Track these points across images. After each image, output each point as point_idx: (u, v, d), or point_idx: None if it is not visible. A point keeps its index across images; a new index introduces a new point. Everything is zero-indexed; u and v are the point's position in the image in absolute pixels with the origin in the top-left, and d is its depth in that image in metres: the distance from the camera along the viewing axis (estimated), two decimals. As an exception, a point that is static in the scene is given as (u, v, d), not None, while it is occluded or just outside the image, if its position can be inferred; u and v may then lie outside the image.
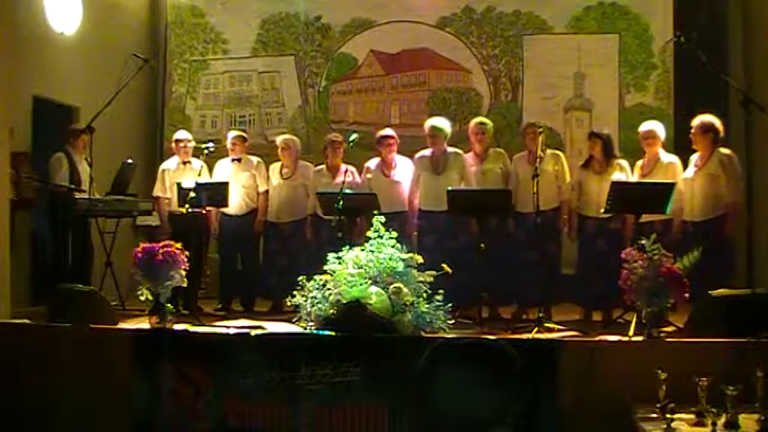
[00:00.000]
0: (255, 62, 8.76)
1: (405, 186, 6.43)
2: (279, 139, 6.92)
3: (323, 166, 6.72)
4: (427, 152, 6.42)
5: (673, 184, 5.65)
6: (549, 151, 6.25)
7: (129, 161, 7.31)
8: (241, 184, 6.72)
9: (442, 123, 6.41)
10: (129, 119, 8.20)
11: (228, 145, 6.84)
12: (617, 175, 6.00)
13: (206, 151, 6.34)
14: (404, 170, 6.48)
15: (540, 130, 6.04)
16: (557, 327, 5.36)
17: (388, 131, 6.61)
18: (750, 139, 5.71)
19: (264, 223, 6.84)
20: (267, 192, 6.82)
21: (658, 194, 5.57)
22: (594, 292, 6.02)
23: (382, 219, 5.03)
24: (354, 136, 6.18)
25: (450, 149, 6.39)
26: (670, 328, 4.94)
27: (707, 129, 5.79)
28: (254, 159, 6.94)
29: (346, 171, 6.24)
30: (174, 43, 8.88)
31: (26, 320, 5.49)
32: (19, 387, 5.04)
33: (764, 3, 7.28)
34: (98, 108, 6.26)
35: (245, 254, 6.92)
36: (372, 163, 6.58)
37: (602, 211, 5.75)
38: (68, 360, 5.00)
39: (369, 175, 6.53)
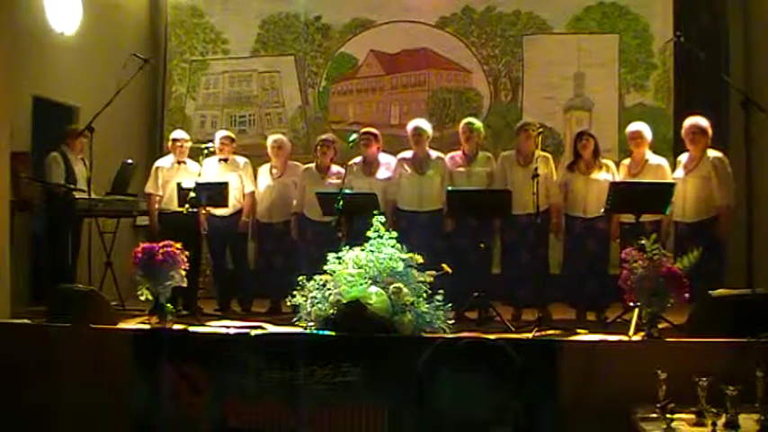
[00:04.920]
0: (255, 62, 8.75)
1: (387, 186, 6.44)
2: (270, 140, 6.90)
3: (312, 165, 6.72)
4: (408, 153, 6.45)
5: (673, 185, 5.68)
6: (538, 153, 6.24)
7: (129, 161, 7.31)
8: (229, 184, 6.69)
9: (425, 125, 6.46)
10: (129, 119, 8.20)
11: (217, 145, 6.82)
12: (603, 175, 6.02)
13: (206, 151, 6.34)
14: (388, 170, 6.49)
15: (541, 130, 6.05)
16: (556, 327, 5.38)
17: (369, 129, 6.64)
18: (750, 139, 5.71)
19: (255, 223, 6.84)
20: (253, 193, 6.83)
21: (659, 195, 5.59)
22: (584, 291, 6.04)
23: (382, 219, 5.03)
24: (354, 136, 6.18)
25: (433, 152, 6.43)
26: (665, 325, 4.94)
27: (704, 131, 5.81)
28: (242, 160, 6.95)
29: (346, 169, 6.23)
30: (174, 43, 8.87)
31: (26, 320, 5.49)
32: (19, 387, 5.04)
33: (764, 3, 7.28)
34: (98, 108, 6.26)
35: (234, 254, 6.92)
36: (355, 161, 6.58)
37: (603, 210, 5.76)
38: (68, 360, 5.00)
39: (349, 175, 6.48)
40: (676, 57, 7.75)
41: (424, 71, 8.43)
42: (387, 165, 6.51)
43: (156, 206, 6.80)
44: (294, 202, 6.67)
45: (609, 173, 6.08)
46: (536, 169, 5.64)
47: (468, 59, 8.33)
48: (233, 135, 7.10)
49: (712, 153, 5.81)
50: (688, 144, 5.88)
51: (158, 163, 6.99)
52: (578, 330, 5.28)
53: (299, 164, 6.88)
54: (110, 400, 4.81)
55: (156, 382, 4.82)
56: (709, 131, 5.82)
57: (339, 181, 6.22)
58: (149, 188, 6.87)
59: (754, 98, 5.44)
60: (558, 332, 5.26)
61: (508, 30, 8.26)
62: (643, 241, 4.73)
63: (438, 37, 8.38)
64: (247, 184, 6.85)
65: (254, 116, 8.73)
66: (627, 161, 6.18)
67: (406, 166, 6.39)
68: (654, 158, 6.07)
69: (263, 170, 6.87)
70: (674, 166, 6.07)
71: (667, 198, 5.56)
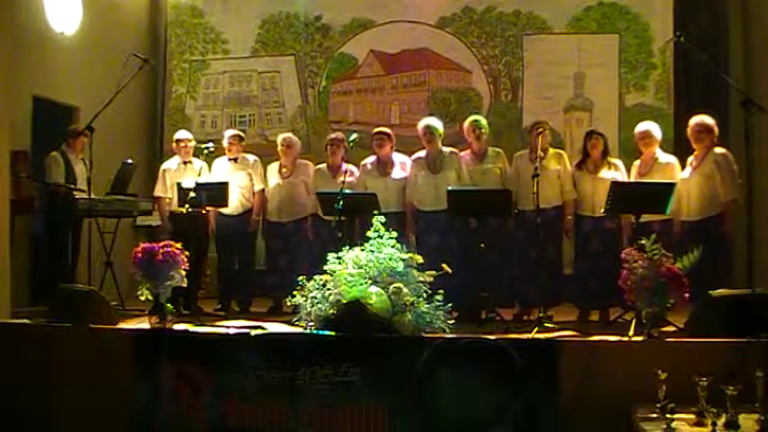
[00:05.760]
0: (255, 62, 8.76)
1: (403, 186, 6.42)
2: (280, 138, 6.90)
3: (323, 165, 6.71)
4: (422, 153, 6.42)
5: (673, 184, 5.65)
6: (552, 150, 6.25)
7: (129, 161, 7.31)
8: (237, 183, 6.71)
9: (437, 123, 6.43)
10: (129, 119, 8.20)
11: (225, 144, 6.84)
12: (611, 174, 6.01)
13: (206, 151, 6.34)
14: (403, 169, 6.47)
15: (541, 129, 6.05)
16: (556, 326, 5.37)
17: (382, 129, 6.62)
18: (750, 139, 5.70)
19: (263, 222, 6.83)
20: (263, 191, 6.82)
21: (658, 194, 5.57)
22: (590, 291, 6.03)
23: (382, 219, 5.03)
24: (354, 136, 6.17)
25: (446, 149, 6.40)
26: (670, 328, 4.94)
27: (708, 129, 5.80)
28: (251, 158, 6.94)
29: (347, 171, 6.24)
30: (174, 43, 8.88)
31: (26, 320, 5.49)
32: (19, 387, 5.04)
33: (764, 3, 7.28)
34: (98, 108, 6.25)
35: (240, 254, 6.91)
36: (369, 161, 6.57)
37: (602, 211, 5.75)
38: (68, 360, 5.00)
39: (364, 175, 6.47)
40: (676, 57, 7.75)
41: (424, 71, 8.43)
42: (402, 164, 6.48)
43: (167, 208, 6.81)
44: (308, 204, 6.64)
45: (617, 172, 6.07)
46: (536, 169, 5.63)
47: (469, 59, 8.34)
48: (242, 134, 7.10)
49: (716, 150, 5.80)
50: (693, 142, 5.87)
51: (165, 165, 7.00)
52: (579, 332, 5.28)
53: (308, 163, 6.87)
54: (110, 400, 4.81)
55: (156, 382, 4.82)
56: (715, 130, 5.81)
57: (351, 179, 6.21)
58: (158, 191, 6.88)
59: (755, 98, 5.43)
60: (558, 333, 5.25)
61: (508, 30, 8.27)
62: (643, 241, 4.73)
63: (438, 37, 8.38)
64: (257, 182, 6.84)
65: (254, 116, 8.74)
66: (638, 162, 6.17)
67: (421, 166, 6.36)
68: (664, 157, 6.05)
69: (273, 169, 6.85)
70: (684, 167, 6.04)
71: (666, 198, 5.54)
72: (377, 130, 6.62)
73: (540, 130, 6.04)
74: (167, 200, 6.82)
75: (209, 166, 6.79)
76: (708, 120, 5.83)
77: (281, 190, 6.75)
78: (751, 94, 5.73)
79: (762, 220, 5.45)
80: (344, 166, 6.41)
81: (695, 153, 5.89)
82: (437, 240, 6.11)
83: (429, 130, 6.34)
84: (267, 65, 8.74)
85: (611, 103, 8.00)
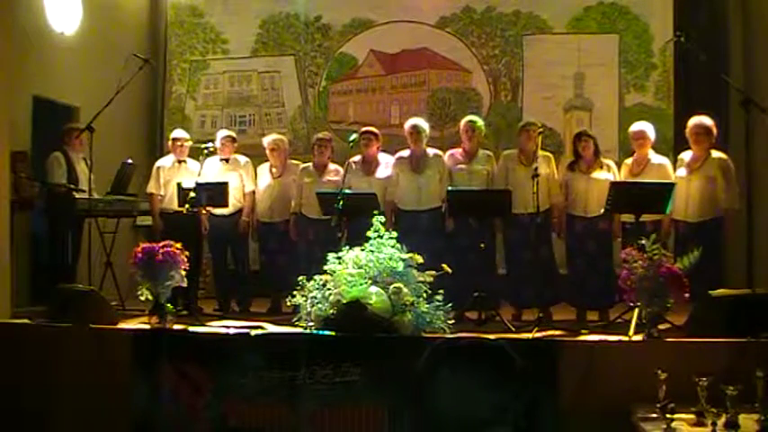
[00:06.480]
0: (255, 62, 8.75)
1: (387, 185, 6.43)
2: (266, 141, 6.88)
3: (309, 165, 6.72)
4: (406, 152, 6.43)
5: (673, 185, 5.66)
6: (540, 153, 6.23)
7: (129, 161, 7.30)
8: (229, 184, 6.69)
9: (424, 124, 6.43)
10: (129, 119, 8.20)
11: (218, 145, 6.82)
12: (604, 175, 6.02)
13: (205, 151, 6.34)
14: (389, 168, 6.47)
15: (541, 130, 6.05)
16: (555, 326, 5.37)
17: (370, 128, 6.62)
18: (750, 139, 5.71)
19: (256, 223, 6.84)
20: (253, 192, 6.83)
21: (659, 195, 5.58)
22: (586, 291, 6.03)
23: (382, 219, 5.03)
24: (354, 136, 6.18)
25: (431, 150, 6.41)
26: (666, 326, 4.94)
27: (707, 130, 5.80)
28: (242, 159, 6.94)
29: (345, 169, 6.23)
30: (174, 43, 8.88)
31: (26, 320, 5.49)
32: (19, 387, 5.04)
33: (764, 3, 7.28)
34: (98, 108, 6.26)
35: (234, 254, 6.91)
36: (354, 160, 6.55)
37: (603, 211, 5.75)
38: (68, 360, 5.01)
39: (349, 174, 6.46)
40: (676, 57, 7.76)
41: (424, 71, 8.43)
42: (386, 164, 6.50)
43: (159, 206, 6.80)
44: (293, 203, 6.67)
45: (610, 172, 6.08)
46: (536, 169, 5.64)
47: (469, 59, 8.34)
48: (234, 135, 7.11)
49: (716, 154, 5.80)
50: (692, 143, 5.86)
51: (159, 163, 7.00)
52: (582, 331, 5.28)
53: (298, 163, 6.87)
54: (110, 400, 4.82)
55: (156, 382, 4.82)
56: (714, 131, 5.80)
57: (337, 179, 6.24)
58: (151, 188, 6.87)
59: (755, 98, 5.43)
60: (558, 332, 5.25)
61: (508, 30, 8.27)
62: (643, 241, 4.73)
63: (438, 37, 8.38)
64: (248, 183, 6.84)
65: (254, 116, 8.74)
66: (629, 161, 6.17)
67: (404, 165, 6.37)
68: (656, 158, 6.06)
69: (263, 169, 6.86)
70: (674, 164, 6.06)
71: (667, 198, 5.55)
72: (364, 129, 6.62)
73: (541, 130, 6.04)
74: (159, 197, 6.81)
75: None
76: (707, 121, 5.82)
77: (272, 190, 6.75)
78: (751, 94, 5.74)
79: (762, 220, 5.46)
80: (333, 165, 6.47)
81: (694, 154, 5.88)
82: (417, 240, 6.07)
83: (416, 129, 6.35)
84: (267, 65, 8.73)
85: (611, 103, 8.00)
